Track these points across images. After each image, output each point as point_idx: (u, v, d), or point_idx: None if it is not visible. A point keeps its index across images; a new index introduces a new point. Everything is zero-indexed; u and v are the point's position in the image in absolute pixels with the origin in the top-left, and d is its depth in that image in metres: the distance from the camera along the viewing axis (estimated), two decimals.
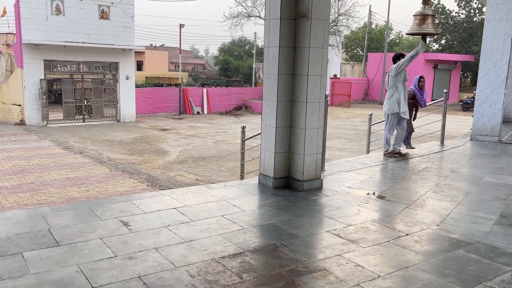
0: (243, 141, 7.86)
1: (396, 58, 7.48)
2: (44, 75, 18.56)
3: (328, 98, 5.98)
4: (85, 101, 19.87)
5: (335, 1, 30.14)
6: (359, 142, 14.22)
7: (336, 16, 30.56)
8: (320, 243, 3.76)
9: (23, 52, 17.93)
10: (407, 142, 8.38)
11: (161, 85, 29.08)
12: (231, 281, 3.00)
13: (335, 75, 31.90)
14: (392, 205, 4.88)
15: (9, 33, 34.60)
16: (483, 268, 3.31)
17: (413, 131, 8.43)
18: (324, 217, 4.43)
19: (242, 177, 7.83)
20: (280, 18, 5.03)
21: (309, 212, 4.53)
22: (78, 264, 3.16)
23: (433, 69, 31.49)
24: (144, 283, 2.92)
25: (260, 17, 30.26)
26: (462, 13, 35.95)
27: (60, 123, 19.13)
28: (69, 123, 19.28)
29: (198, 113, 25.05)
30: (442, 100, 9.04)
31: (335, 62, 32.96)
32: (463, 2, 35.70)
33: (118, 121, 20.59)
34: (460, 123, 18.17)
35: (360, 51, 42.05)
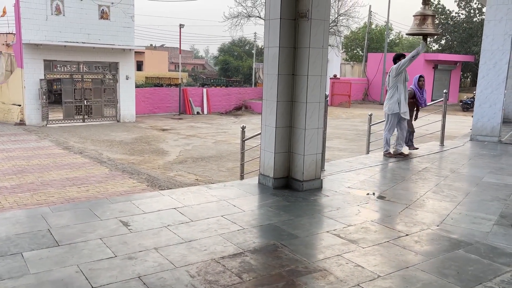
0: (243, 141, 7.86)
1: (396, 59, 7.48)
2: (44, 75, 18.56)
3: (328, 98, 5.98)
4: (85, 101, 19.87)
5: (335, 1, 30.15)
6: (359, 142, 14.22)
7: (336, 16, 30.57)
8: (320, 243, 3.76)
9: (23, 52, 17.93)
10: (410, 143, 8.34)
11: (161, 85, 29.08)
12: (231, 281, 3.00)
13: (335, 75, 31.90)
14: (392, 205, 4.88)
15: (9, 33, 34.59)
16: (483, 268, 3.31)
17: (414, 131, 8.42)
18: (324, 217, 4.43)
19: (242, 177, 7.83)
20: (280, 18, 5.03)
21: (309, 212, 4.53)
22: (78, 264, 3.16)
23: (433, 69, 31.50)
24: (144, 283, 2.92)
25: (260, 17, 30.26)
26: (462, 14, 35.98)
27: (60, 123, 19.13)
28: (69, 123, 19.28)
29: (198, 113, 25.05)
30: (442, 100, 9.04)
31: (335, 62, 32.97)
32: (463, 3, 35.71)
33: (118, 121, 20.59)
34: (460, 124, 18.17)
35: (360, 51, 42.06)
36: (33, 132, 16.60)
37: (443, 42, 37.66)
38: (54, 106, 21.52)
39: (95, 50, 19.45)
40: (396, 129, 7.74)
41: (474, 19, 35.08)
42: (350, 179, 6.04)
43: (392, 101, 7.42)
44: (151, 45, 54.26)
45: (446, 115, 9.05)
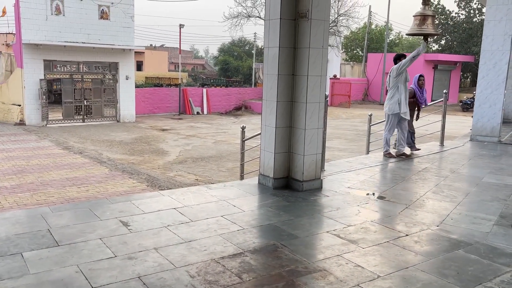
0: (243, 141, 7.86)
1: (397, 59, 7.48)
2: (44, 75, 18.56)
3: (328, 99, 5.98)
4: (85, 101, 19.87)
5: (335, 2, 30.15)
6: (359, 142, 14.22)
7: (336, 16, 30.57)
8: (320, 243, 3.76)
9: (23, 52, 17.93)
10: (412, 144, 8.28)
11: (161, 85, 29.08)
12: (231, 281, 2.99)
13: (335, 76, 31.91)
14: (392, 206, 4.88)
15: (9, 33, 34.59)
16: (482, 268, 3.31)
17: (414, 132, 8.37)
18: (324, 218, 4.43)
19: (242, 178, 7.83)
20: (280, 18, 5.03)
21: (309, 213, 4.53)
22: (77, 264, 3.16)
23: (433, 69, 31.50)
24: (144, 283, 2.92)
25: (260, 18, 30.26)
26: (462, 14, 35.98)
27: (60, 123, 19.13)
28: (69, 123, 19.28)
29: (197, 113, 25.05)
30: (442, 100, 9.04)
31: (335, 63, 32.97)
32: (463, 3, 35.72)
33: (118, 121, 20.59)
34: (459, 124, 18.18)
35: (360, 52, 42.07)
36: (33, 132, 16.60)
37: (443, 42, 37.67)
38: (54, 106, 21.52)
39: (95, 50, 19.45)
40: (397, 129, 7.73)
41: (474, 20, 35.09)
42: (350, 179, 6.05)
43: (393, 101, 7.41)
44: (151, 45, 54.26)
45: (446, 115, 9.05)
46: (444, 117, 8.94)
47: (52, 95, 23.32)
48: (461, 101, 28.95)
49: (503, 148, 8.97)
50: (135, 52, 21.72)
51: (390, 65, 7.50)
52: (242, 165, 7.97)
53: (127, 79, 20.68)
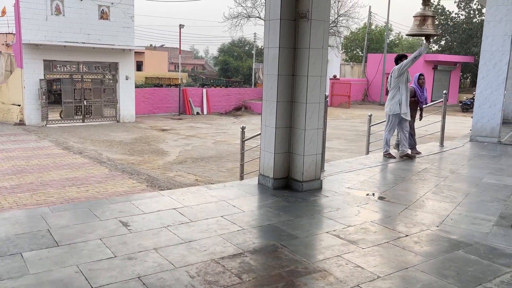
0: (242, 142, 7.86)
1: (398, 59, 7.47)
2: (44, 75, 18.56)
3: (327, 99, 5.98)
4: (85, 101, 19.87)
5: (335, 2, 30.15)
6: (359, 142, 14.23)
7: (336, 17, 30.58)
8: (319, 244, 3.76)
9: (22, 52, 17.92)
10: (413, 146, 8.14)
11: (161, 86, 29.08)
12: (231, 281, 2.99)
13: (334, 76, 31.92)
14: (392, 206, 4.88)
15: (9, 33, 34.59)
16: (482, 269, 3.31)
17: (415, 134, 8.26)
18: (323, 218, 4.43)
19: (241, 178, 7.83)
20: (280, 18, 5.03)
21: (308, 213, 4.53)
22: (77, 264, 3.16)
23: (432, 70, 31.51)
24: (144, 284, 2.92)
25: (260, 18, 30.26)
26: (461, 14, 35.99)
27: (60, 123, 19.12)
28: (69, 123, 19.28)
29: (197, 113, 25.05)
30: (442, 101, 9.04)
31: (335, 63, 32.98)
32: (463, 3, 35.73)
33: (118, 121, 20.58)
34: (459, 124, 18.18)
35: (360, 52, 42.08)
36: (32, 132, 16.60)
37: (442, 43, 37.68)
38: (54, 106, 21.52)
39: (95, 50, 19.45)
40: (397, 130, 7.72)
41: (474, 20, 35.10)
42: (350, 179, 6.04)
43: (394, 101, 7.40)
44: (151, 45, 54.29)
45: (446, 116, 9.05)
46: (444, 118, 8.94)
47: (52, 95, 23.32)
48: (461, 102, 28.96)
49: (503, 148, 8.97)
50: (135, 52, 21.73)
51: (390, 65, 7.52)
52: (242, 166, 7.97)
53: (127, 79, 20.68)
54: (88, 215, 4.19)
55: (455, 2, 36.00)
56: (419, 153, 8.04)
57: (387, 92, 7.65)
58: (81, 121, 19.73)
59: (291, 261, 3.34)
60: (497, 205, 5.00)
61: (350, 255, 3.49)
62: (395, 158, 7.64)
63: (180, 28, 26.70)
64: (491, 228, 4.21)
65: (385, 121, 7.82)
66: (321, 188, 5.45)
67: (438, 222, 4.36)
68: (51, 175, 9.67)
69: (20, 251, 3.34)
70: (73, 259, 3.24)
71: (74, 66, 19.43)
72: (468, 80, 39.35)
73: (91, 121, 19.97)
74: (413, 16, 6.69)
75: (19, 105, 18.82)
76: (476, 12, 35.13)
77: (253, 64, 39.68)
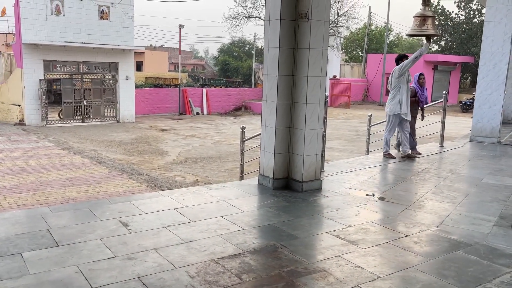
0: (242, 142, 7.85)
1: (399, 60, 7.47)
2: (44, 75, 18.56)
3: (327, 99, 5.98)
4: (85, 101, 19.86)
5: (335, 2, 30.16)
6: (359, 143, 14.23)
7: (336, 17, 30.58)
8: (319, 244, 3.76)
9: (22, 52, 17.92)
10: (413, 146, 8.11)
11: (161, 86, 29.09)
12: (231, 282, 2.99)
13: (334, 76, 31.92)
14: (392, 206, 4.88)
15: (9, 33, 34.59)
16: (482, 269, 3.31)
17: (415, 134, 8.23)
18: (323, 218, 4.43)
19: (241, 178, 7.83)
20: (280, 19, 5.03)
21: (308, 213, 4.53)
22: (77, 264, 3.16)
23: (432, 70, 31.52)
24: (144, 284, 2.92)
25: (260, 18, 30.27)
26: (461, 15, 35.99)
27: (60, 123, 19.12)
28: (69, 123, 19.27)
29: (197, 113, 25.05)
30: (442, 101, 9.04)
31: (335, 63, 32.99)
32: (463, 4, 35.74)
33: (118, 121, 20.58)
34: (459, 125, 18.19)
35: (360, 52, 42.09)
36: (32, 132, 16.59)
37: (442, 43, 37.68)
38: (54, 106, 21.51)
39: (95, 50, 19.45)
40: (398, 131, 7.71)
41: (474, 20, 35.11)
42: (349, 180, 6.05)
43: (394, 102, 7.40)
44: (151, 45, 54.28)
45: (446, 116, 9.05)
46: (443, 118, 8.94)
47: (52, 95, 23.31)
48: (460, 102, 28.96)
49: (502, 149, 8.97)
50: (135, 52, 21.73)
51: (389, 65, 7.53)
52: (242, 166, 7.97)
53: (127, 79, 20.68)
54: (88, 215, 4.19)
55: (455, 2, 36.02)
56: (419, 153, 8.03)
57: (387, 92, 7.65)
58: (81, 121, 19.73)
59: (291, 261, 3.34)
60: (497, 205, 5.00)
61: (350, 255, 3.49)
62: (395, 158, 7.64)
63: (180, 28, 26.70)
64: (491, 228, 4.21)
65: (385, 121, 7.82)
66: (321, 188, 5.45)
67: (438, 222, 4.36)
68: (51, 175, 9.67)
69: (20, 251, 3.34)
70: (73, 259, 3.24)
71: (74, 66, 19.43)
72: (468, 80, 39.36)
73: (91, 121, 19.96)
74: (413, 17, 6.69)
75: (19, 105, 18.82)
76: (476, 13, 35.14)
77: (253, 64, 39.69)
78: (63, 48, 18.60)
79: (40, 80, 18.27)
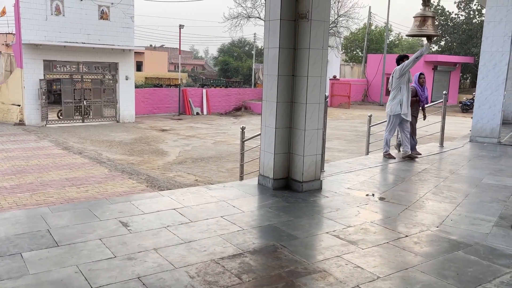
0: (242, 142, 7.85)
1: (400, 60, 7.47)
2: (44, 75, 18.55)
3: (327, 99, 5.98)
4: (85, 102, 19.86)
5: (334, 3, 30.16)
6: (359, 143, 14.23)
7: (335, 17, 30.58)
8: (319, 244, 3.76)
9: (22, 52, 17.92)
10: (413, 146, 8.09)
11: (161, 86, 29.09)
12: (231, 282, 2.99)
13: (334, 76, 31.92)
14: (392, 207, 4.88)
15: (9, 33, 34.59)
16: (482, 269, 3.32)
17: (415, 134, 8.23)
18: (323, 218, 4.43)
19: (241, 178, 7.83)
20: (280, 19, 5.03)
21: (308, 213, 4.53)
22: (77, 264, 3.16)
23: (432, 70, 31.52)
24: (144, 284, 2.92)
25: (260, 18, 30.27)
26: (461, 15, 36.00)
27: (59, 123, 19.12)
28: (69, 123, 19.27)
29: (197, 113, 25.05)
30: (442, 101, 9.04)
31: (335, 63, 32.98)
32: (463, 4, 35.75)
33: (118, 121, 20.58)
34: (459, 125, 18.19)
35: (360, 52, 42.09)
36: (32, 132, 16.59)
37: (442, 43, 37.69)
38: (54, 106, 21.51)
39: (95, 51, 19.45)
40: (398, 131, 7.71)
41: (474, 21, 35.12)
42: (349, 180, 6.05)
43: (395, 102, 7.40)
44: (151, 45, 54.31)
45: (446, 116, 9.06)
46: (443, 118, 8.95)
47: (52, 95, 23.31)
48: (460, 102, 28.97)
49: (502, 149, 8.98)
50: (134, 52, 21.73)
51: (389, 66, 7.54)
52: (241, 166, 7.97)
53: (126, 79, 20.68)
54: (88, 215, 4.19)
55: (455, 2, 36.03)
56: (419, 153, 8.03)
57: (387, 93, 7.65)
58: (80, 121, 19.73)
59: (291, 262, 3.34)
60: (497, 205, 5.00)
61: (350, 255, 3.49)
62: (394, 158, 7.64)
63: (180, 28, 26.71)
64: (491, 228, 4.21)
65: (385, 121, 7.82)
66: (321, 188, 5.45)
67: (438, 222, 4.36)
68: (51, 175, 9.67)
69: (20, 251, 3.34)
70: (72, 259, 3.24)
71: (74, 66, 19.42)
72: (468, 80, 39.36)
73: (91, 121, 19.96)
74: (413, 17, 6.69)
75: (19, 105, 18.82)
76: (476, 13, 35.15)
77: (253, 64, 39.69)
78: (63, 48, 18.60)
79: (40, 80, 18.27)
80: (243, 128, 7.87)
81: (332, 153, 12.12)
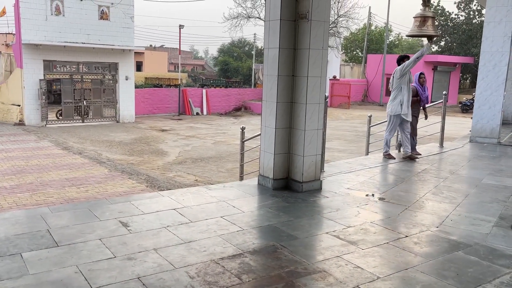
0: (242, 142, 7.86)
1: (400, 60, 7.47)
2: (44, 75, 18.55)
3: (327, 100, 5.98)
4: (85, 102, 19.85)
5: (334, 3, 30.16)
6: (359, 143, 14.23)
7: (335, 17, 30.58)
8: (319, 244, 3.76)
9: (22, 52, 17.92)
10: (413, 146, 8.11)
11: (161, 86, 29.08)
12: (230, 282, 2.99)
13: (334, 77, 31.92)
14: (392, 207, 4.88)
15: (9, 33, 34.58)
16: (482, 270, 3.32)
17: (416, 135, 8.22)
18: (323, 219, 4.43)
19: (241, 178, 7.83)
20: (280, 19, 5.03)
21: (308, 214, 4.53)
22: (77, 264, 3.16)
23: (432, 70, 31.52)
24: (143, 284, 2.92)
25: (259, 18, 30.27)
26: (461, 15, 36.01)
27: (59, 124, 19.11)
28: (68, 123, 19.27)
29: (197, 114, 25.05)
30: (442, 102, 9.05)
31: (335, 64, 32.99)
32: (463, 4, 35.76)
33: (118, 121, 20.58)
34: (459, 125, 18.19)
35: (360, 53, 42.11)
36: (32, 132, 16.59)
37: (442, 43, 37.70)
38: (54, 106, 21.50)
39: (95, 51, 19.45)
40: (398, 131, 7.71)
41: (474, 21, 35.13)
42: (349, 180, 6.05)
43: (395, 102, 7.40)
44: (151, 45, 54.30)
45: (446, 117, 9.06)
46: (443, 118, 8.95)
47: (52, 95, 23.30)
48: (460, 103, 28.97)
49: (502, 149, 8.98)
50: (134, 52, 21.72)
51: (389, 66, 7.55)
52: (241, 166, 7.97)
53: (126, 79, 20.67)
54: (87, 216, 4.19)
55: (455, 3, 36.04)
56: (419, 154, 8.03)
57: (387, 93, 7.65)
58: (80, 121, 19.72)
59: (291, 262, 3.34)
60: (496, 206, 5.00)
61: (349, 255, 3.49)
62: (394, 158, 7.64)
63: (180, 29, 26.71)
64: (490, 229, 4.21)
65: (385, 121, 7.82)
66: (321, 188, 5.45)
67: (438, 223, 4.36)
68: (51, 175, 9.66)
69: (19, 251, 3.34)
70: (72, 259, 3.24)
71: (74, 66, 19.42)
72: (467, 81, 39.37)
73: (91, 121, 19.96)
74: (413, 17, 6.70)
75: (19, 105, 18.82)
76: (476, 13, 35.16)
77: (253, 64, 39.68)
78: (63, 48, 18.60)
79: (40, 80, 18.26)
80: (243, 128, 7.87)
81: (332, 153, 12.12)
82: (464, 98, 30.64)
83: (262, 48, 31.84)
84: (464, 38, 35.17)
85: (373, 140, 9.09)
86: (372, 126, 8.96)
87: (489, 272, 3.27)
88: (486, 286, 3.07)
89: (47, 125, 18.57)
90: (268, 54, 5.29)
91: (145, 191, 8.22)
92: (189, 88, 26.86)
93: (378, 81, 32.84)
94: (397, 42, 45.46)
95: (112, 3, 19.55)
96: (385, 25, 35.24)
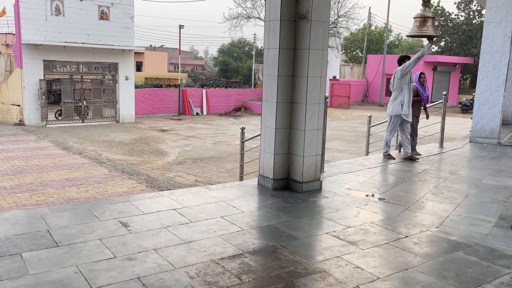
0: (242, 142, 7.86)
1: (401, 60, 7.47)
2: (44, 75, 18.55)
3: (327, 100, 5.98)
4: (84, 102, 19.85)
5: (334, 3, 30.16)
6: (359, 143, 14.23)
7: (335, 17, 30.58)
8: (319, 244, 3.76)
9: (22, 52, 17.92)
10: (413, 147, 8.07)
11: (161, 86, 29.09)
12: (230, 282, 2.99)
13: (334, 77, 31.93)
14: (392, 207, 4.89)
15: (9, 33, 34.58)
16: (482, 270, 3.32)
17: (416, 135, 8.22)
18: (323, 219, 4.43)
19: (241, 178, 7.83)
20: (280, 19, 5.04)
21: (308, 214, 4.53)
22: (77, 265, 3.15)
23: (432, 71, 31.53)
24: (143, 284, 2.92)
25: (259, 19, 30.27)
26: (461, 16, 36.03)
27: (59, 124, 19.11)
28: (68, 123, 19.26)
29: (197, 114, 25.05)
30: (441, 102, 9.05)
31: (335, 64, 33.00)
32: (463, 5, 35.77)
33: (117, 121, 20.58)
34: (459, 125, 18.20)
35: (360, 53, 42.12)
36: (32, 132, 16.59)
37: (442, 44, 37.72)
38: (54, 106, 21.49)
39: (95, 51, 19.45)
40: (399, 132, 7.70)
41: (474, 21, 35.14)
42: (349, 180, 6.05)
43: (396, 102, 7.40)
44: (151, 45, 54.30)
45: (446, 117, 9.06)
46: (443, 119, 8.95)
47: (52, 95, 23.28)
48: (460, 103, 28.98)
49: (502, 149, 8.98)
50: (134, 52, 21.73)
51: (389, 66, 7.56)
52: (241, 166, 7.97)
53: (126, 79, 20.67)
54: (87, 216, 4.19)
55: (455, 3, 36.06)
56: (419, 154, 8.03)
57: (387, 93, 7.66)
58: (80, 121, 19.72)
59: (291, 262, 3.34)
60: (496, 206, 5.00)
61: (349, 256, 3.49)
62: (394, 159, 7.64)
63: (180, 29, 26.71)
64: (490, 229, 4.21)
65: (385, 122, 7.82)
66: (321, 189, 5.45)
67: (438, 223, 4.37)
68: (51, 176, 9.66)
69: (19, 251, 3.34)
70: (72, 259, 3.24)
71: (74, 66, 19.42)
72: (467, 81, 39.38)
73: (91, 122, 19.95)
74: (413, 17, 6.70)
75: (19, 105, 18.82)
76: (476, 13, 35.17)
77: (253, 64, 39.68)
78: (63, 48, 18.60)
79: (40, 80, 18.26)
80: (243, 129, 7.87)
81: (332, 153, 12.12)
82: (464, 98, 30.64)
83: (262, 48, 31.86)
84: (464, 39, 35.19)
85: (373, 140, 9.09)
86: (372, 126, 8.96)
87: (489, 273, 3.28)
88: (486, 286, 3.07)
89: (47, 125, 18.57)
90: (268, 54, 5.30)
91: (145, 191, 8.21)
92: (189, 88, 26.86)
93: (378, 81, 32.85)
94: (397, 42, 45.48)
95: (112, 3, 19.55)
96: (385, 25, 35.28)
